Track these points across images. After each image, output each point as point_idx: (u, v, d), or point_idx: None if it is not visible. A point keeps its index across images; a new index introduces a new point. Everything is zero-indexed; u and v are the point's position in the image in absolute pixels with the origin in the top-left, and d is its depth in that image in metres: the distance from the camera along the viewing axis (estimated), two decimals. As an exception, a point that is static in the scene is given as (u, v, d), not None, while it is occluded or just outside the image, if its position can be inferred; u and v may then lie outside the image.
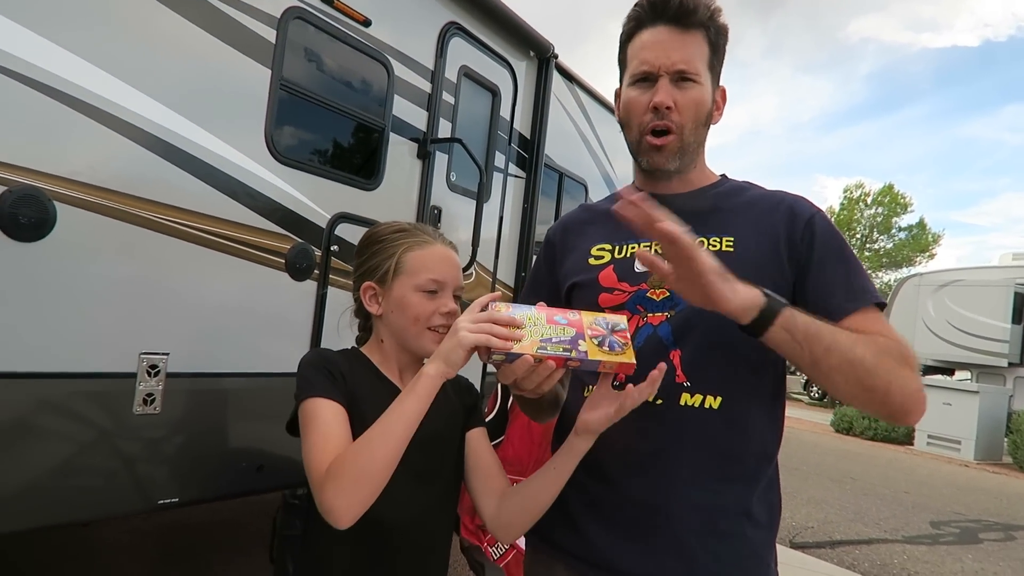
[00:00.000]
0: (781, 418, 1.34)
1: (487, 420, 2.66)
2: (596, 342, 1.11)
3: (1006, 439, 11.83)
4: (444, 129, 3.52)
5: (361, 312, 1.57)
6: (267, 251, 2.65)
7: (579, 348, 1.09)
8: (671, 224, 1.05)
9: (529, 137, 4.30)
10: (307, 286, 2.83)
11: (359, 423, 1.29)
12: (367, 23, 3.03)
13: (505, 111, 4.04)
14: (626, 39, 1.37)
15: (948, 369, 14.99)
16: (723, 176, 1.47)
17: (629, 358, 1.12)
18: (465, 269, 3.53)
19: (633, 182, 1.50)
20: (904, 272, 26.59)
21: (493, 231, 3.96)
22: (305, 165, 2.81)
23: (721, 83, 1.40)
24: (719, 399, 1.24)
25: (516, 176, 4.23)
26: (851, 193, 30.21)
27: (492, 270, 3.97)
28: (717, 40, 1.33)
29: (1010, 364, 13.12)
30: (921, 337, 14.39)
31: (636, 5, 1.34)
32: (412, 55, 3.31)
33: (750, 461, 1.27)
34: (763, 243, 1.27)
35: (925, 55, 46.89)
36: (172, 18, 2.28)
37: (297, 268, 2.77)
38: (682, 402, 1.25)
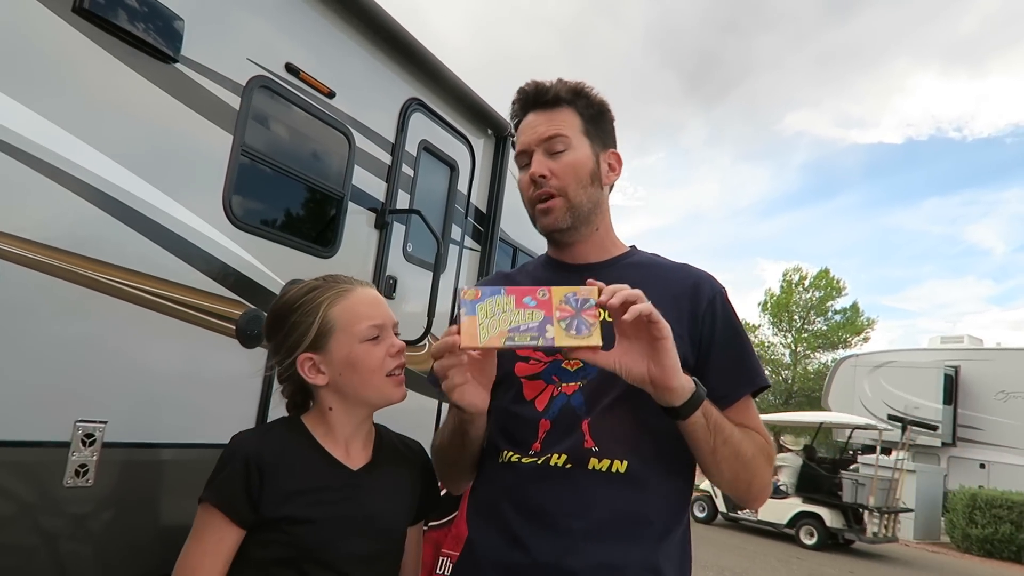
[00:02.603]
0: (690, 480, 1.39)
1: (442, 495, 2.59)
2: (564, 325, 1.09)
3: (943, 518, 12.07)
4: (403, 200, 3.56)
5: (293, 388, 1.48)
6: (218, 316, 2.58)
7: (546, 335, 1.08)
8: (647, 303, 1.12)
9: (485, 211, 4.38)
10: (257, 353, 2.76)
11: (294, 509, 1.27)
12: (331, 95, 3.09)
13: (463, 185, 4.11)
14: (514, 128, 1.50)
15: (886, 449, 15.35)
16: (632, 247, 1.52)
17: (596, 340, 1.11)
18: (419, 340, 3.50)
19: (546, 252, 1.56)
20: (840, 353, 27.48)
21: (448, 303, 3.96)
22: (262, 231, 2.79)
23: (616, 149, 1.48)
24: (625, 463, 1.28)
25: (471, 249, 4.27)
26: (790, 276, 31.43)
27: (446, 341, 3.94)
28: (589, 111, 1.42)
29: (943, 444, 13.52)
30: (859, 416, 14.76)
31: (512, 102, 1.47)
32: (374, 127, 3.37)
33: (657, 521, 1.30)
34: (670, 319, 1.23)
35: (854, 149, 50.17)
36: (135, 80, 2.28)
37: (248, 335, 2.70)
38: (590, 466, 1.29)
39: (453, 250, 4.06)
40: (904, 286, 53.56)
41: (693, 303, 1.35)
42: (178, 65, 2.40)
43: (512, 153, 4.46)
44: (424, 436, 3.70)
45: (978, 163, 48.99)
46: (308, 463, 1.34)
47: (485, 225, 4.37)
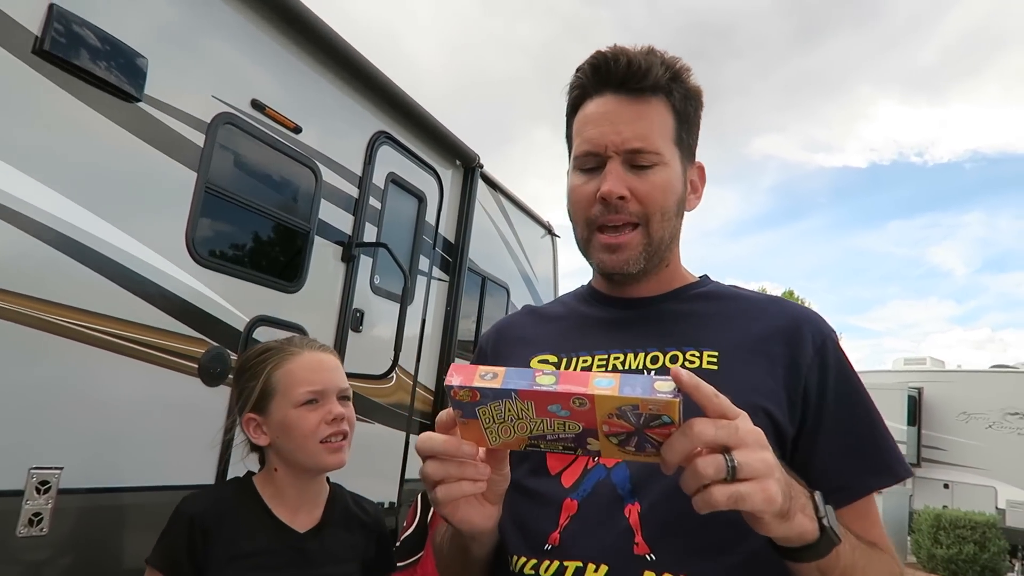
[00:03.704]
0: None
1: (404, 537, 2.57)
2: (616, 441, 0.72)
3: (909, 538, 12.23)
4: (370, 233, 3.56)
5: (251, 446, 1.49)
6: (179, 355, 2.55)
7: (589, 447, 0.74)
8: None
9: (453, 242, 4.39)
10: (220, 392, 2.72)
11: (235, 572, 1.28)
12: (297, 130, 3.09)
13: (431, 216, 4.13)
14: (571, 112, 1.07)
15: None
16: (704, 277, 1.16)
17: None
18: (387, 373, 3.48)
19: (589, 283, 1.19)
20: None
21: (416, 334, 3.95)
22: (226, 267, 2.76)
23: (698, 159, 1.10)
24: None
25: (440, 279, 4.28)
26: (757, 297, 31.84)
27: (414, 373, 3.93)
28: (685, 107, 1.03)
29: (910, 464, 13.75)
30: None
31: (577, 70, 1.04)
32: (341, 161, 3.38)
33: None
34: (757, 365, 0.96)
35: (821, 173, 51.41)
36: (97, 120, 2.26)
37: (211, 373, 2.66)
38: None
39: (421, 281, 4.06)
40: (870, 306, 54.73)
41: (792, 349, 0.97)
42: (141, 104, 2.39)
43: (479, 185, 4.50)
44: (392, 467, 3.69)
45: (939, 187, 50.60)
46: (252, 526, 1.34)
47: (453, 255, 4.38)
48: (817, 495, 0.77)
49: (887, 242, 52.09)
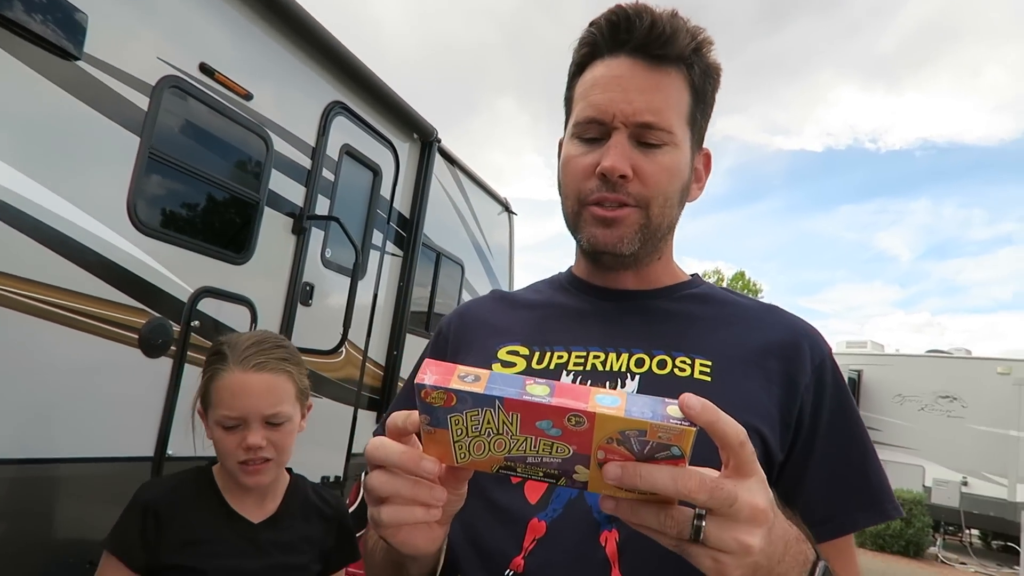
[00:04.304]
0: None
1: (350, 511, 2.57)
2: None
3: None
4: (322, 205, 3.49)
5: None
6: (118, 325, 2.48)
7: (575, 476, 0.62)
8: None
9: (408, 216, 4.34)
10: (161, 364, 2.66)
11: (185, 558, 1.30)
12: (248, 97, 3.00)
13: (386, 190, 4.07)
14: (575, 71, 0.95)
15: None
16: (695, 276, 1.06)
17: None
18: (336, 348, 3.45)
19: (569, 269, 1.08)
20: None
21: (367, 309, 3.91)
22: (170, 236, 2.68)
23: (705, 145, 1.00)
24: None
25: (393, 254, 4.23)
26: (707, 277, 32.56)
27: (364, 348, 3.90)
28: (704, 84, 0.92)
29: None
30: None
31: (591, 25, 0.92)
32: (293, 131, 3.29)
33: None
34: (752, 380, 0.88)
35: (778, 156, 52.32)
36: (32, 78, 2.15)
37: (152, 344, 2.60)
38: None
39: (374, 255, 4.01)
40: (819, 288, 56.35)
41: (789, 365, 0.89)
42: (80, 63, 2.29)
43: (436, 159, 4.44)
44: (339, 441, 3.67)
45: (890, 174, 52.01)
46: (206, 514, 1.36)
47: (408, 230, 4.34)
48: (820, 566, 0.68)
49: (838, 226, 53.60)
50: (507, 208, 5.98)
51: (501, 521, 0.83)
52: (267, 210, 3.15)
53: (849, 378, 14.35)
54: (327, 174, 3.53)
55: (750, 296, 1.05)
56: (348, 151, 3.69)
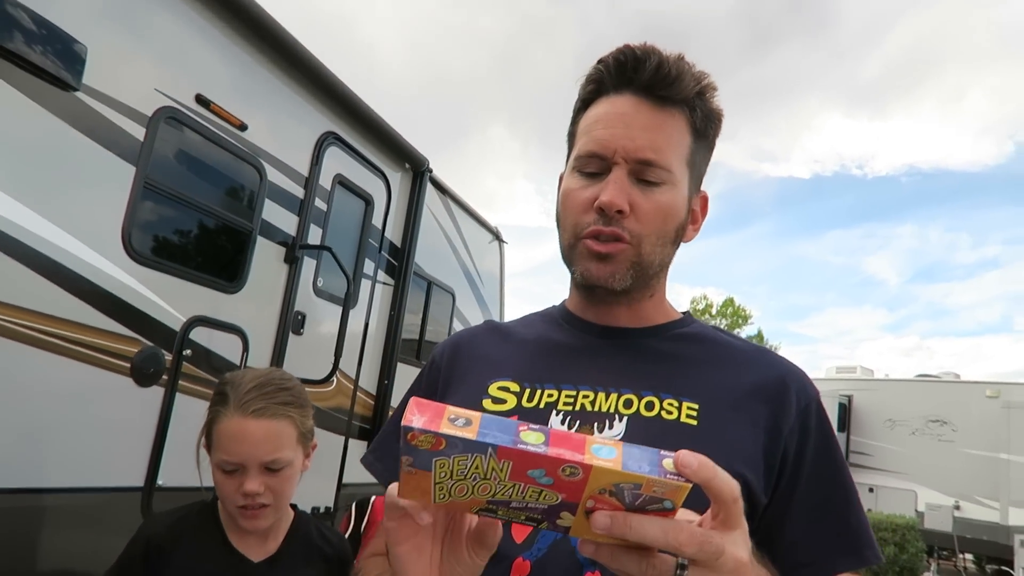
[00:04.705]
0: None
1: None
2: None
3: (836, 542, 12.66)
4: (315, 235, 3.52)
5: None
6: (110, 354, 2.47)
7: (559, 522, 0.61)
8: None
9: (400, 246, 4.37)
10: (153, 393, 2.65)
11: None
12: (243, 127, 3.03)
13: (377, 220, 4.10)
14: (580, 107, 0.98)
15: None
16: (686, 314, 1.06)
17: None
18: (327, 377, 3.45)
19: (563, 303, 1.09)
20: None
21: (358, 338, 3.92)
22: (163, 265, 2.69)
23: (703, 187, 1.01)
24: None
25: (385, 283, 4.25)
26: (697, 304, 32.68)
27: (355, 377, 3.89)
28: (705, 127, 0.95)
29: (837, 470, 14.26)
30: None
31: (599, 62, 0.94)
32: (287, 161, 3.33)
33: None
34: (739, 424, 0.88)
35: (766, 182, 52.95)
36: (29, 107, 2.18)
37: (144, 373, 2.59)
38: None
39: (366, 284, 4.03)
40: (808, 313, 56.56)
41: (775, 409, 0.90)
42: (79, 94, 2.32)
43: (428, 189, 4.49)
44: (329, 471, 3.64)
45: (877, 199, 52.64)
46: (206, 551, 1.36)
47: (399, 259, 4.36)
48: None
49: (826, 251, 54.08)
50: (498, 237, 6.02)
51: (489, 561, 0.82)
52: (260, 239, 3.16)
53: (840, 403, 14.37)
54: (320, 203, 3.56)
55: (741, 337, 1.05)
56: (341, 181, 3.73)
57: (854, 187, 51.39)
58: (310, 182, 3.47)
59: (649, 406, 0.88)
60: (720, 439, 0.85)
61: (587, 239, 0.90)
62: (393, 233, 4.29)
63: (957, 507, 12.27)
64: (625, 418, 0.88)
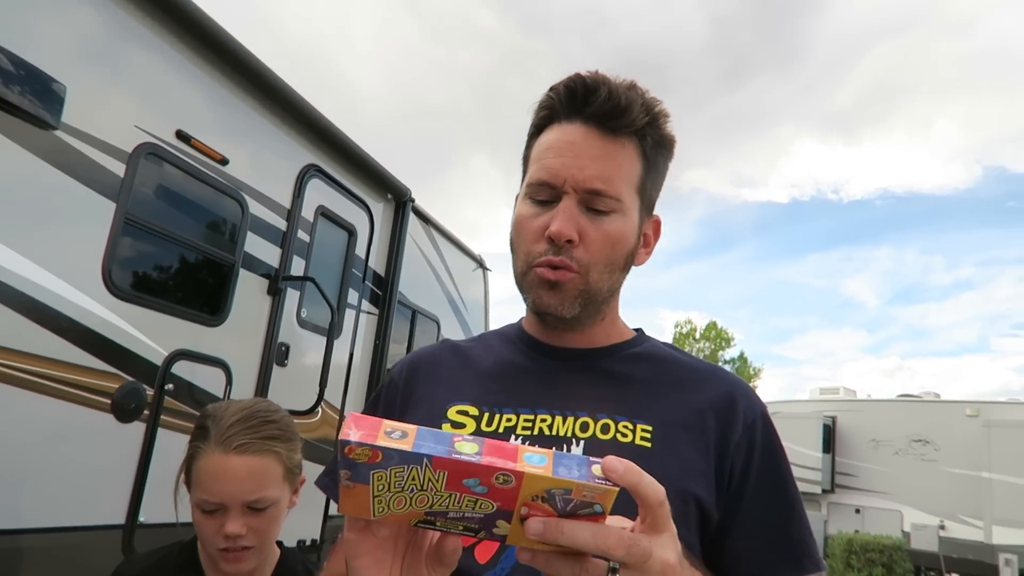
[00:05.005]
0: None
1: None
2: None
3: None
4: (298, 266, 3.52)
5: None
6: (90, 390, 2.45)
7: (495, 530, 0.63)
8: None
9: (384, 275, 4.38)
10: (134, 428, 2.62)
11: None
12: (224, 161, 3.05)
13: (361, 250, 4.11)
14: (534, 132, 0.99)
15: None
16: (639, 332, 1.08)
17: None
18: (312, 408, 3.43)
19: (520, 321, 1.10)
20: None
21: (343, 368, 3.91)
22: (144, 300, 2.69)
23: (656, 212, 1.03)
24: None
25: (369, 313, 4.25)
26: (681, 328, 32.85)
27: (340, 408, 3.88)
28: (656, 155, 0.96)
29: (823, 491, 14.29)
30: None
31: (551, 90, 0.96)
32: (269, 194, 3.34)
33: None
34: (691, 444, 0.91)
35: (745, 207, 53.65)
36: (7, 147, 2.18)
37: (124, 409, 2.57)
38: None
39: (350, 314, 4.03)
40: (790, 335, 56.98)
41: (724, 425, 0.92)
42: (58, 132, 2.32)
43: (411, 218, 4.51)
44: (315, 503, 3.60)
45: (853, 223, 53.43)
46: None
47: (383, 289, 4.37)
48: None
49: (806, 274, 54.68)
50: (481, 264, 6.05)
51: None
52: (243, 271, 3.16)
53: (824, 424, 14.44)
54: (302, 235, 3.57)
55: (691, 355, 1.06)
56: (323, 212, 3.75)
57: (831, 211, 52.19)
58: (292, 214, 3.49)
59: (605, 429, 0.89)
60: (674, 460, 0.87)
61: (538, 268, 0.92)
62: (377, 263, 4.31)
63: (942, 527, 12.31)
64: (582, 442, 0.89)
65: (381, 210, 4.35)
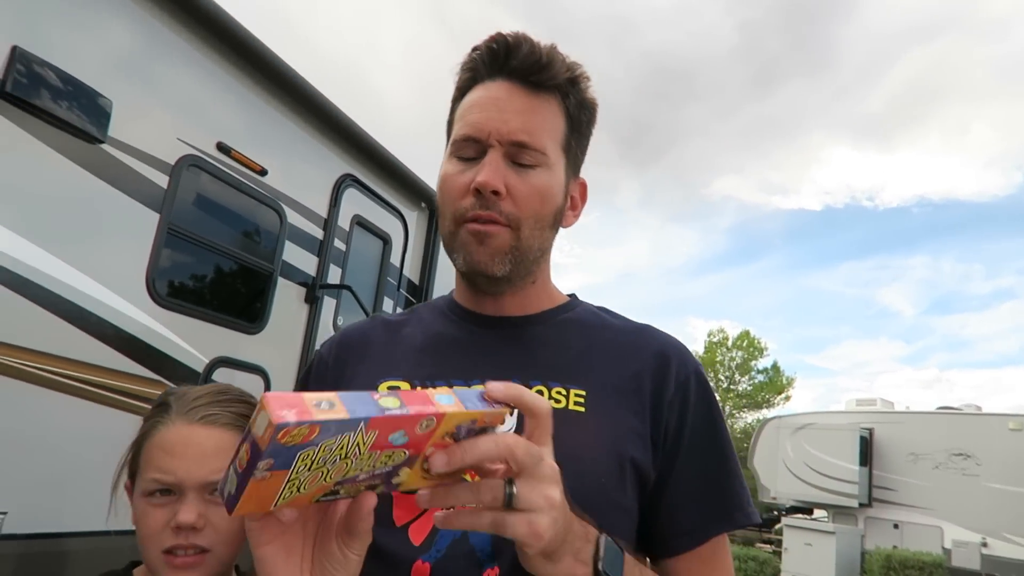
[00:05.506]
0: None
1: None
2: (425, 467, 0.62)
3: (861, 579, 12.37)
4: (334, 274, 3.57)
5: None
6: (135, 397, 2.50)
7: (393, 480, 0.63)
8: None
9: (418, 283, 4.41)
10: (175, 435, 2.67)
11: None
12: (263, 172, 3.10)
13: (396, 258, 4.15)
14: (457, 96, 0.99)
15: (808, 508, 15.77)
16: (572, 296, 1.07)
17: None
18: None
19: (450, 294, 1.07)
20: (764, 413, 28.37)
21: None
22: (186, 308, 2.74)
23: (582, 174, 1.03)
24: None
25: (402, 321, 4.28)
26: (713, 337, 32.46)
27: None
28: (579, 114, 0.97)
29: (860, 505, 13.99)
30: (783, 477, 15.15)
31: (473, 50, 0.96)
32: (306, 203, 3.39)
33: None
34: (625, 407, 0.91)
35: (777, 214, 53.00)
36: (58, 161, 2.25)
37: (166, 416, 2.62)
38: None
39: (383, 322, 4.06)
40: (824, 345, 56.05)
41: (657, 384, 0.92)
42: (104, 146, 2.39)
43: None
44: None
45: (888, 231, 52.47)
46: None
47: (418, 297, 4.40)
48: (603, 539, 0.73)
49: (840, 283, 53.74)
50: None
51: (386, 565, 0.82)
52: (281, 280, 3.21)
53: (861, 437, 14.14)
54: (339, 244, 3.61)
55: (624, 316, 1.06)
56: (359, 221, 3.79)
57: (866, 218, 51.27)
58: (329, 223, 3.53)
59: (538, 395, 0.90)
60: (608, 424, 0.88)
61: (467, 223, 0.90)
62: (411, 271, 4.34)
63: (984, 544, 11.96)
64: (515, 410, 0.89)
65: (415, 218, 4.38)
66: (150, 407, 1.11)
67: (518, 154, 0.90)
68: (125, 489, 1.09)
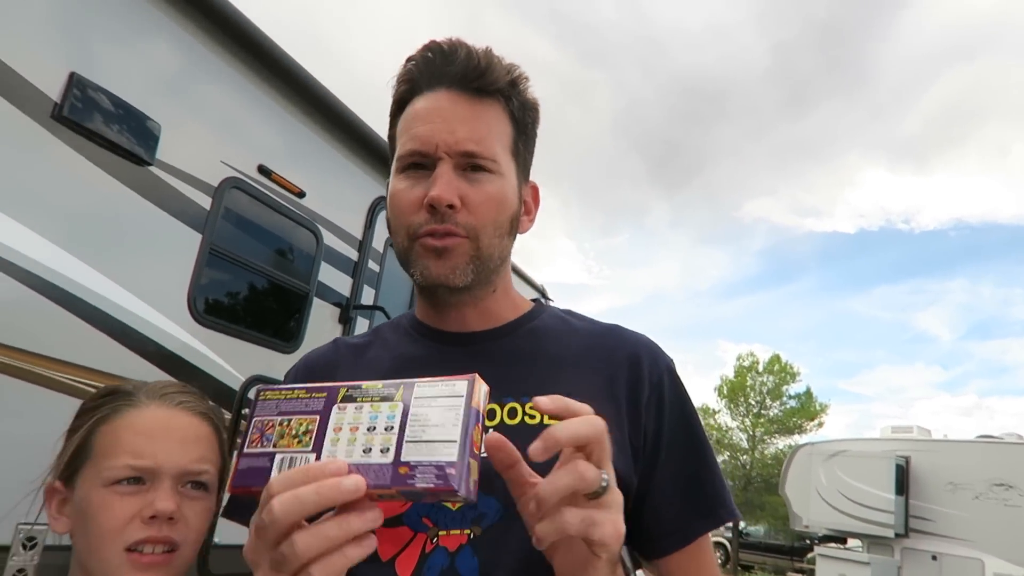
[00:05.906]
0: None
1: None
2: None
3: (898, 613, 12.00)
4: (368, 295, 3.62)
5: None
6: (173, 413, 2.56)
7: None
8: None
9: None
10: (212, 451, 2.72)
11: None
12: (301, 194, 3.17)
13: (427, 279, 4.19)
14: (396, 109, 0.96)
15: (841, 537, 15.37)
16: (536, 303, 1.05)
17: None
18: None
19: (411, 312, 1.05)
20: (796, 439, 27.80)
21: (408, 395, 3.97)
22: (225, 326, 2.80)
23: (532, 178, 1.01)
24: None
25: (433, 341, 4.32)
26: (743, 361, 31.96)
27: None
28: (523, 117, 0.95)
29: (896, 535, 13.60)
30: (815, 505, 14.81)
31: (407, 61, 0.93)
32: (342, 225, 3.46)
33: None
34: (602, 413, 0.82)
35: (810, 237, 52.48)
36: (108, 183, 2.33)
37: (203, 432, 2.67)
38: None
39: (415, 342, 4.10)
40: (858, 371, 54.96)
41: (632, 388, 0.91)
42: (152, 168, 2.47)
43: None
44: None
45: (925, 254, 51.62)
46: None
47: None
48: (624, 551, 0.71)
49: (874, 307, 52.83)
50: (543, 294, 6.08)
51: None
52: (316, 300, 3.27)
53: (897, 465, 13.79)
54: (372, 265, 3.67)
55: (591, 319, 1.03)
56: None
57: (901, 242, 50.54)
58: (364, 245, 3.59)
59: (512, 413, 0.87)
60: None
61: (423, 237, 0.87)
62: (441, 293, 4.38)
63: (1029, 578, 11.54)
64: (490, 429, 0.84)
65: (447, 240, 4.43)
66: (98, 395, 1.03)
67: (468, 163, 0.88)
68: (46, 496, 0.99)
